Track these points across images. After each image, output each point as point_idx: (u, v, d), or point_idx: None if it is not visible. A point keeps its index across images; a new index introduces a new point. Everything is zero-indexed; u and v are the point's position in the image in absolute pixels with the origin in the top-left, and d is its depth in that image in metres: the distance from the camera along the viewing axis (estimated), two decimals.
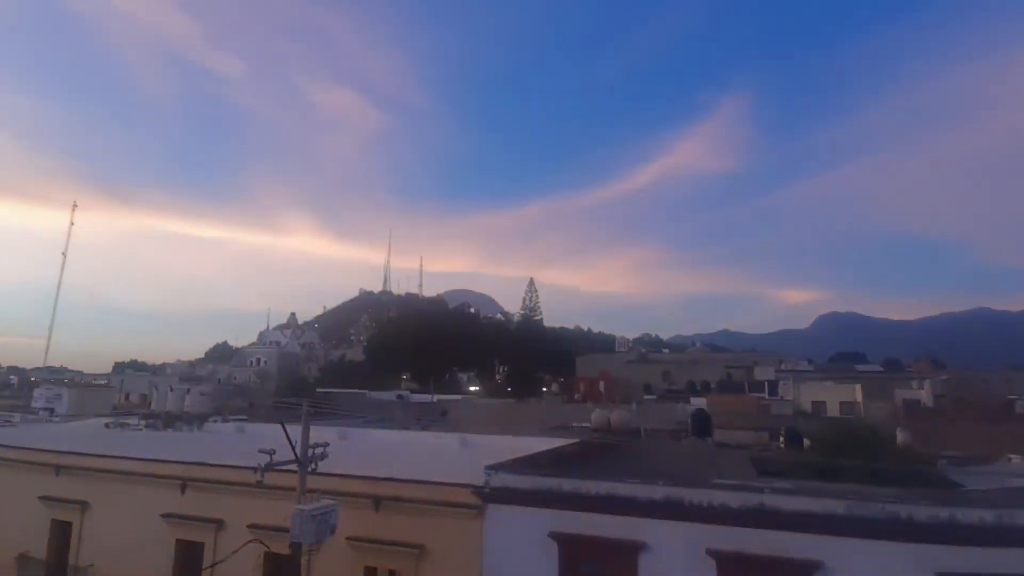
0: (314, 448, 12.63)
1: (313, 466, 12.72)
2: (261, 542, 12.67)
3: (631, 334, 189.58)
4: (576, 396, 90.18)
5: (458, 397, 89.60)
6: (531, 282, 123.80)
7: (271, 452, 11.81)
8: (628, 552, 11.64)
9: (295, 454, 12.17)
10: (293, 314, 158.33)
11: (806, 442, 30.14)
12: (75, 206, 51.66)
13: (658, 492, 11.77)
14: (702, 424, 26.35)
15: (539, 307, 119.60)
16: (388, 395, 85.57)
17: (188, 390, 27.57)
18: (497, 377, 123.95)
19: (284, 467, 12.06)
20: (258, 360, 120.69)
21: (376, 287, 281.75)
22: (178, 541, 15.13)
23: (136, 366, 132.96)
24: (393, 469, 14.78)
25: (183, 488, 15.08)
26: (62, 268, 50.19)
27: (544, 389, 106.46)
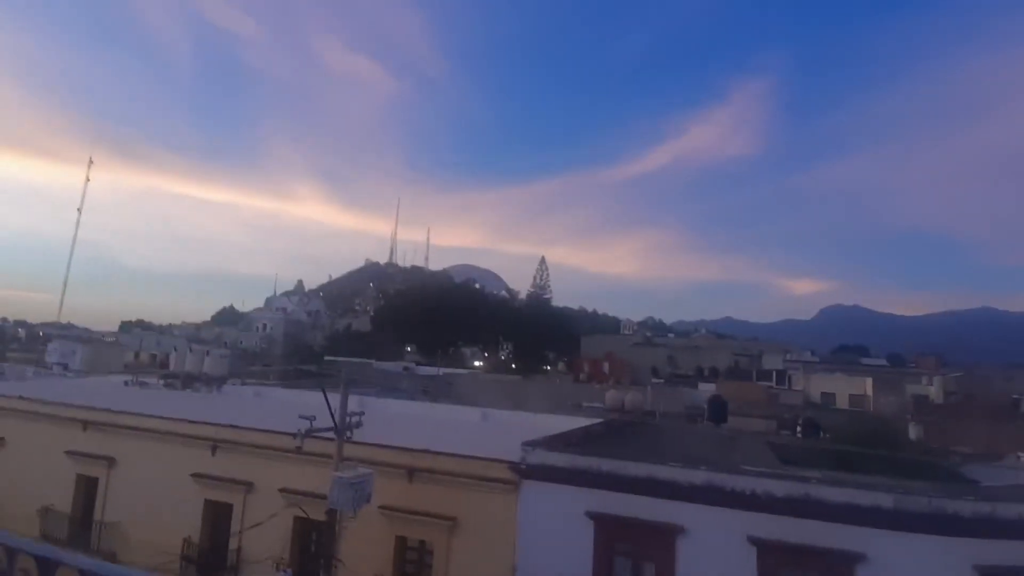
0: (350, 417, 12.53)
1: (348, 434, 12.64)
2: (300, 507, 12.61)
3: (635, 317, 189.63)
4: (581, 376, 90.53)
5: (464, 371, 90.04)
6: (542, 260, 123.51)
7: (311, 418, 11.69)
8: (667, 535, 11.57)
9: (334, 422, 12.05)
10: (300, 281, 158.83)
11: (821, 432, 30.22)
12: (91, 162, 51.32)
13: (699, 476, 11.66)
14: (719, 410, 26.27)
15: (549, 286, 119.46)
16: (395, 366, 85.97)
17: (208, 352, 27.58)
18: (500, 353, 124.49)
19: (321, 435, 11.95)
20: (264, 326, 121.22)
21: (382, 258, 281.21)
22: (207, 501, 15.15)
23: (143, 326, 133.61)
24: (423, 441, 14.71)
25: (214, 449, 15.04)
26: (77, 224, 50.26)
27: (547, 367, 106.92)
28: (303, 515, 14.27)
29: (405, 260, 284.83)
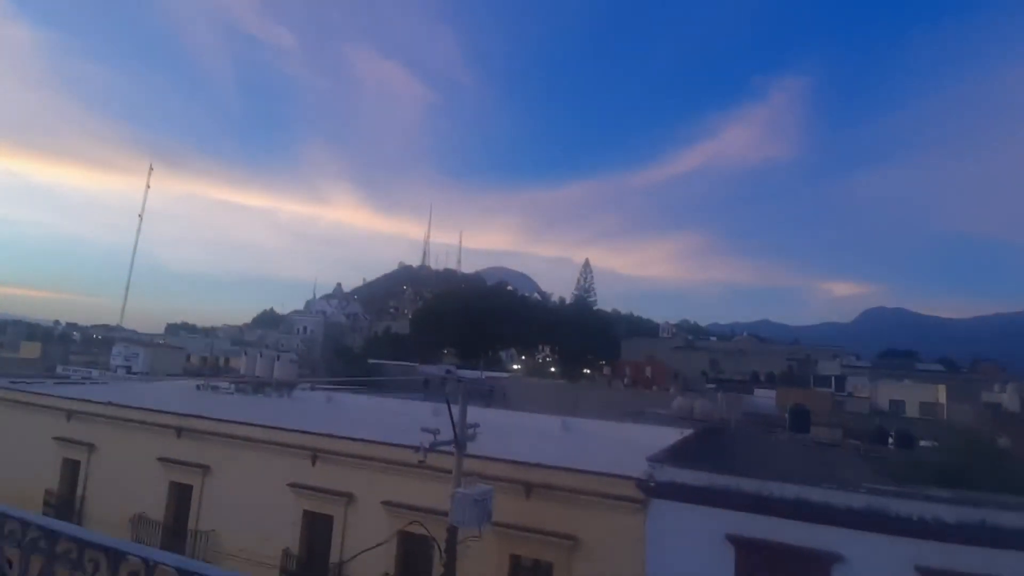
0: (470, 429, 11.94)
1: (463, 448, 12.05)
2: (421, 523, 12.06)
3: (669, 320, 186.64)
4: (625, 380, 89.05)
5: (505, 375, 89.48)
6: (586, 263, 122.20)
7: (435, 431, 11.13)
8: (820, 564, 10.63)
9: (454, 434, 11.47)
10: (339, 284, 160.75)
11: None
12: (151, 169, 52.44)
13: (858, 500, 10.71)
14: (802, 419, 25.05)
15: (594, 289, 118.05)
16: (437, 369, 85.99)
17: (278, 356, 27.51)
18: (538, 357, 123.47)
19: (442, 448, 11.38)
20: (304, 328, 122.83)
21: (415, 261, 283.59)
22: (306, 512, 14.75)
23: (188, 328, 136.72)
24: (526, 453, 14.07)
25: (314, 459, 14.63)
26: (138, 230, 51.24)
27: (587, 371, 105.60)
28: (408, 530, 13.83)
29: (438, 263, 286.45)
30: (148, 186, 52.21)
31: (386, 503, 13.81)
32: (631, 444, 18.91)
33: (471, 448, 12.29)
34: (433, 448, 11.12)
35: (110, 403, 18.50)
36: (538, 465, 12.59)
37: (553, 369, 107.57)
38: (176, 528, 16.52)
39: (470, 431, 12.09)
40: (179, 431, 16.67)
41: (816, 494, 10.82)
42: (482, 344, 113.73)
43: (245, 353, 29.54)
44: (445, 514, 12.93)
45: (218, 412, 18.44)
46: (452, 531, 11.32)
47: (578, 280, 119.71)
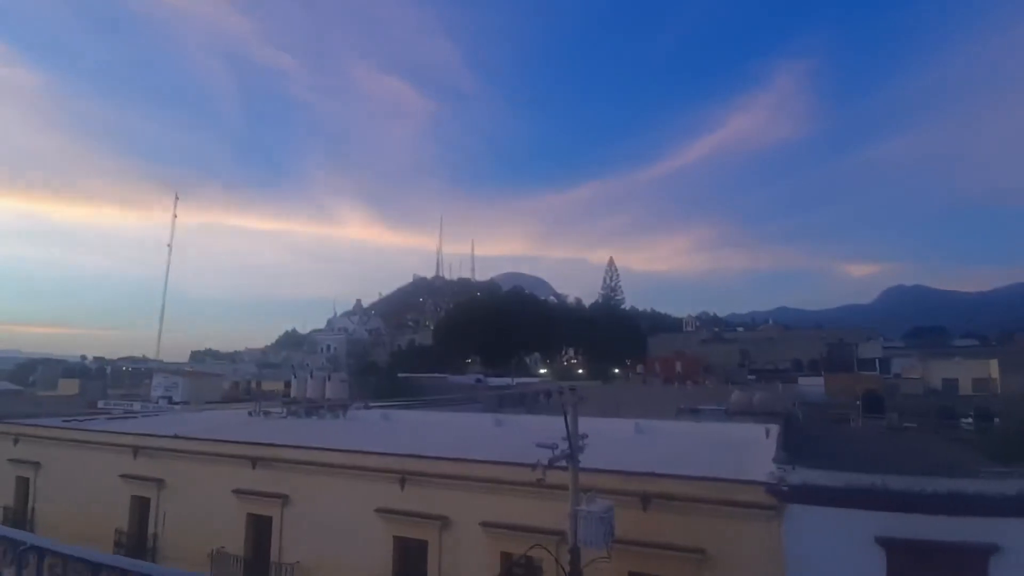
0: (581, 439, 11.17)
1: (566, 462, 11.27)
2: (545, 547, 11.27)
3: (686, 313, 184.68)
4: (657, 376, 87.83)
5: (534, 380, 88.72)
6: (610, 262, 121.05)
7: (552, 446, 10.38)
8: (977, 557, 9.77)
9: (570, 447, 10.71)
10: (358, 301, 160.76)
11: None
12: (177, 198, 52.33)
13: (1012, 487, 9.86)
14: (877, 404, 24.02)
15: (620, 288, 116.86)
16: (466, 379, 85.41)
17: (328, 376, 26.97)
18: (563, 360, 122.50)
19: (559, 464, 10.61)
20: (328, 347, 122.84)
21: (429, 273, 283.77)
22: (396, 538, 14.05)
23: (212, 354, 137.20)
24: (626, 461, 13.30)
25: (402, 482, 13.92)
26: (168, 260, 51.03)
27: (616, 371, 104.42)
28: (511, 551, 13.09)
29: (451, 273, 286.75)
30: (175, 215, 52.42)
31: (485, 524, 13.06)
32: (723, 443, 18.10)
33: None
34: (552, 464, 10.36)
35: (176, 436, 17.96)
36: (654, 474, 11.78)
37: (581, 371, 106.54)
38: (257, 562, 15.90)
39: (583, 442, 11.33)
40: (254, 461, 16.05)
41: (970, 486, 9.96)
42: (506, 351, 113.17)
43: (295, 376, 29.02)
44: (552, 533, 12.26)
45: (286, 438, 17.86)
46: (575, 552, 10.54)
47: (604, 279, 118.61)
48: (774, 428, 18.83)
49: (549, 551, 11.15)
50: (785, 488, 10.86)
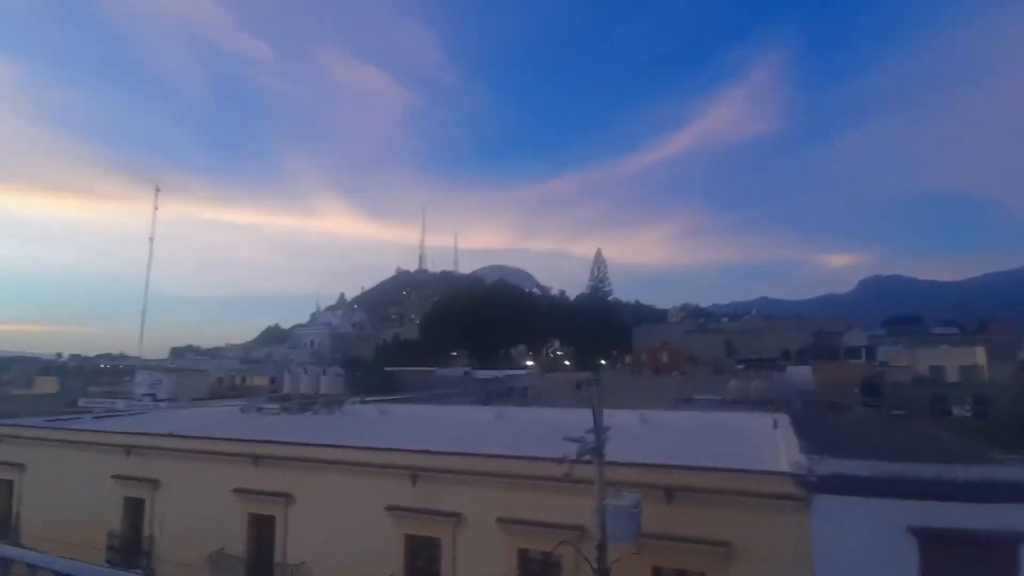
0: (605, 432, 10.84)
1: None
2: (570, 543, 10.94)
3: (668, 304, 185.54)
4: (643, 369, 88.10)
5: (521, 372, 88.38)
6: (598, 254, 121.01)
7: (579, 440, 10.04)
8: (1008, 545, 9.68)
9: (597, 440, 10.37)
10: (342, 295, 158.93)
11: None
12: (158, 190, 50.65)
13: None
14: (875, 391, 24.12)
15: (608, 279, 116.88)
16: (454, 372, 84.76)
17: (324, 371, 26.35)
18: (547, 352, 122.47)
19: (585, 459, 10.27)
20: (312, 341, 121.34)
21: (412, 266, 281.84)
22: (408, 536, 13.63)
23: (193, 350, 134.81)
24: (647, 454, 13.04)
25: (414, 479, 13.49)
26: (150, 254, 49.79)
27: (602, 362, 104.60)
28: (527, 547, 12.77)
29: (435, 265, 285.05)
30: (156, 208, 50.41)
31: (501, 520, 12.71)
32: (732, 433, 17.93)
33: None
34: (580, 459, 10.02)
35: (171, 434, 17.30)
36: (679, 467, 11.51)
37: (567, 363, 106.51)
38: (260, 563, 15.38)
39: (606, 435, 10.99)
40: (255, 458, 15.49)
41: (999, 472, 9.84)
42: (492, 343, 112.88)
43: (288, 371, 28.33)
44: (571, 528, 11.96)
45: (286, 434, 17.32)
46: (602, 548, 10.23)
47: (592, 271, 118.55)
48: (782, 417, 18.75)
49: (576, 547, 10.79)
50: (814, 478, 10.65)
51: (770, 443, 15.92)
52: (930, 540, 10.01)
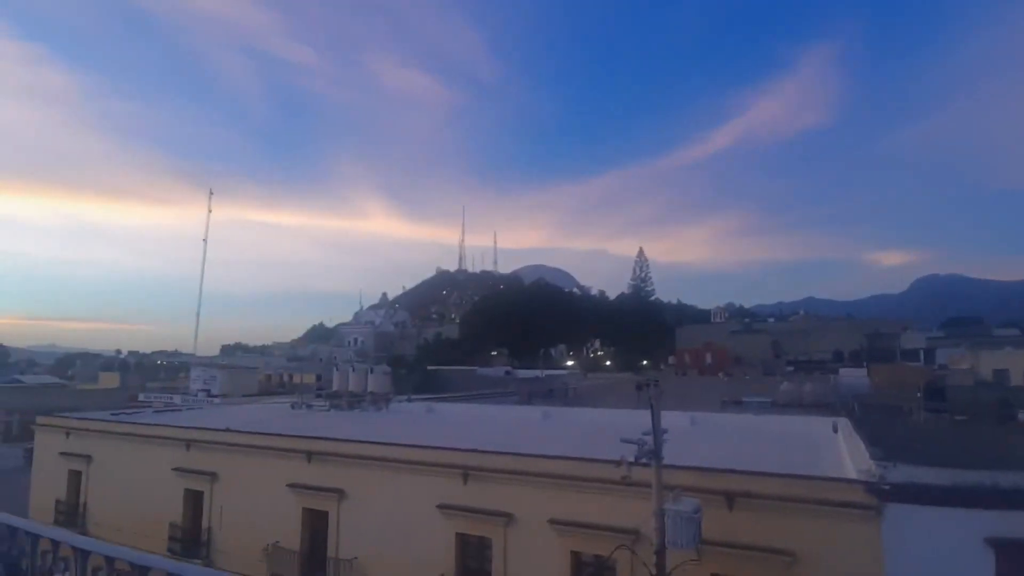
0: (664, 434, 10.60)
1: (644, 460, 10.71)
2: (627, 547, 10.76)
3: (711, 304, 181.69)
4: (687, 370, 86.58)
5: (562, 372, 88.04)
6: (640, 253, 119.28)
7: (638, 442, 9.84)
8: None
9: (656, 442, 10.15)
10: (384, 294, 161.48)
11: None
12: (212, 193, 52.36)
13: None
14: (938, 397, 22.98)
15: (651, 279, 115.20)
16: (495, 371, 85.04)
17: (371, 369, 26.75)
18: (589, 351, 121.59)
19: (643, 462, 10.06)
20: (356, 340, 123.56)
21: (452, 265, 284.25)
22: (459, 535, 13.65)
23: (242, 348, 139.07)
24: (700, 457, 12.72)
25: (465, 477, 13.50)
26: (204, 255, 51.24)
27: (644, 362, 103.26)
28: (578, 550, 12.61)
29: (474, 265, 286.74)
30: (210, 210, 52.04)
31: (553, 522, 12.59)
32: (791, 438, 17.38)
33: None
34: (638, 462, 9.83)
35: (229, 429, 17.80)
36: (741, 472, 11.16)
37: (608, 363, 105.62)
38: (314, 557, 15.67)
39: (664, 438, 10.76)
40: (309, 455, 15.78)
41: None
42: (532, 343, 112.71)
43: (336, 368, 28.86)
44: (626, 532, 11.75)
45: (338, 431, 17.59)
46: (661, 553, 10.01)
47: (634, 271, 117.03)
48: (842, 421, 18.06)
49: (633, 551, 10.59)
50: (886, 486, 10.17)
51: (832, 448, 15.36)
52: (1009, 552, 9.43)
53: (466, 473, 13.57)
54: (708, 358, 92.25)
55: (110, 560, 7.65)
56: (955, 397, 35.24)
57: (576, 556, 12.54)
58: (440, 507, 13.81)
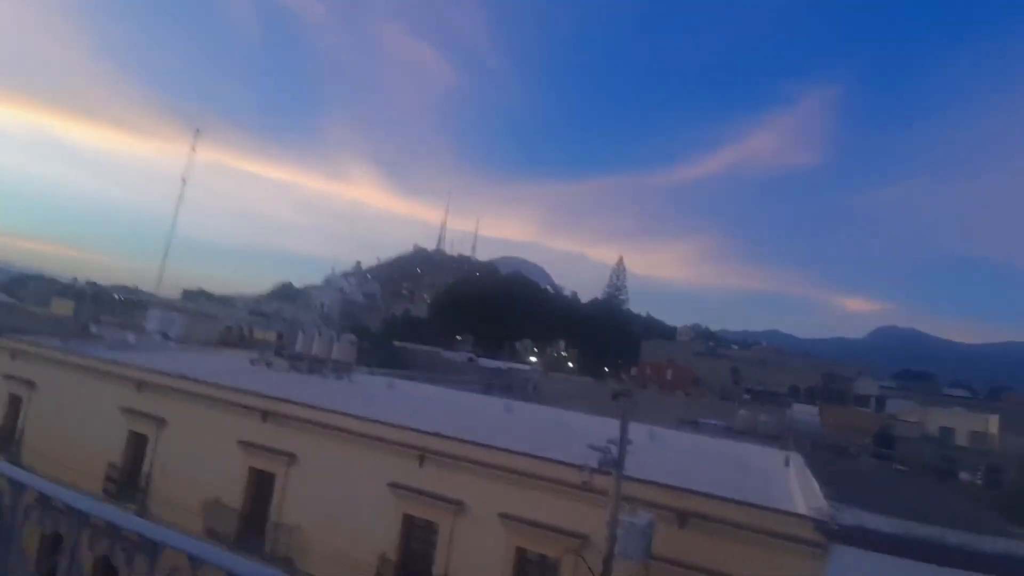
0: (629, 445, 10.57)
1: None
2: (578, 554, 10.71)
3: (678, 323, 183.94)
4: (647, 384, 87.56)
5: (526, 367, 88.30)
6: (620, 261, 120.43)
7: (605, 450, 9.79)
8: None
9: (620, 452, 10.12)
10: (358, 263, 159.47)
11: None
12: (198, 132, 50.80)
13: None
14: (887, 445, 23.59)
15: (626, 288, 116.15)
16: (458, 356, 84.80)
17: (337, 336, 26.27)
18: (554, 350, 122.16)
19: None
20: (322, 304, 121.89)
21: (430, 245, 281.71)
22: (406, 516, 13.49)
23: (205, 295, 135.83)
24: (684, 477, 12.75)
25: (421, 460, 13.33)
26: (181, 194, 49.78)
27: (607, 369, 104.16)
28: (525, 547, 12.56)
29: (453, 248, 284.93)
30: (193, 149, 50.53)
31: (504, 516, 12.51)
32: (745, 465, 17.57)
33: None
34: (600, 468, 9.78)
35: (184, 376, 17.26)
36: (697, 492, 11.21)
37: (571, 364, 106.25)
38: (254, 519, 15.32)
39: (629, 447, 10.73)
40: (265, 414, 15.41)
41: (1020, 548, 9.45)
42: (499, 334, 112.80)
43: (302, 331, 28.29)
44: (574, 535, 11.75)
45: (298, 394, 17.19)
46: (608, 562, 10.00)
47: (610, 278, 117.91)
48: (795, 456, 18.36)
49: (582, 557, 10.56)
50: (836, 527, 10.32)
51: (782, 481, 15.57)
52: None
53: (423, 455, 13.39)
54: (669, 375, 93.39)
55: (45, 498, 7.33)
56: (902, 448, 36.32)
57: (521, 553, 12.49)
58: (391, 485, 13.62)
